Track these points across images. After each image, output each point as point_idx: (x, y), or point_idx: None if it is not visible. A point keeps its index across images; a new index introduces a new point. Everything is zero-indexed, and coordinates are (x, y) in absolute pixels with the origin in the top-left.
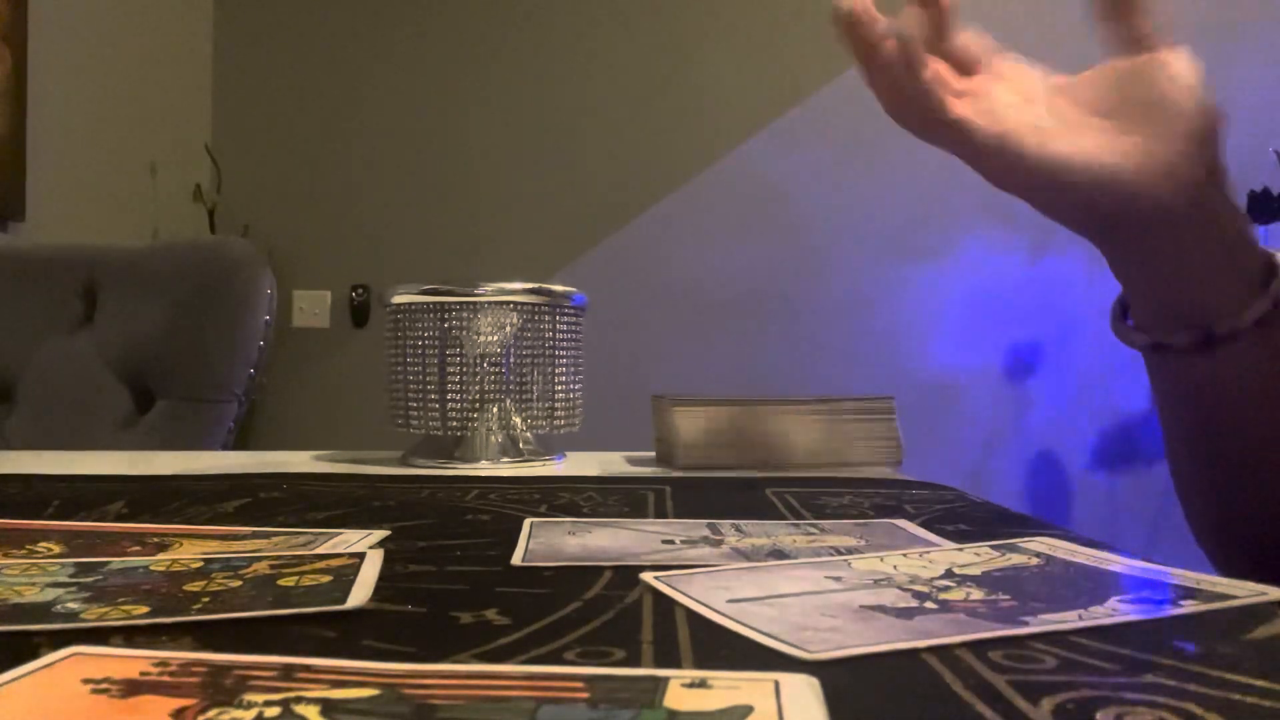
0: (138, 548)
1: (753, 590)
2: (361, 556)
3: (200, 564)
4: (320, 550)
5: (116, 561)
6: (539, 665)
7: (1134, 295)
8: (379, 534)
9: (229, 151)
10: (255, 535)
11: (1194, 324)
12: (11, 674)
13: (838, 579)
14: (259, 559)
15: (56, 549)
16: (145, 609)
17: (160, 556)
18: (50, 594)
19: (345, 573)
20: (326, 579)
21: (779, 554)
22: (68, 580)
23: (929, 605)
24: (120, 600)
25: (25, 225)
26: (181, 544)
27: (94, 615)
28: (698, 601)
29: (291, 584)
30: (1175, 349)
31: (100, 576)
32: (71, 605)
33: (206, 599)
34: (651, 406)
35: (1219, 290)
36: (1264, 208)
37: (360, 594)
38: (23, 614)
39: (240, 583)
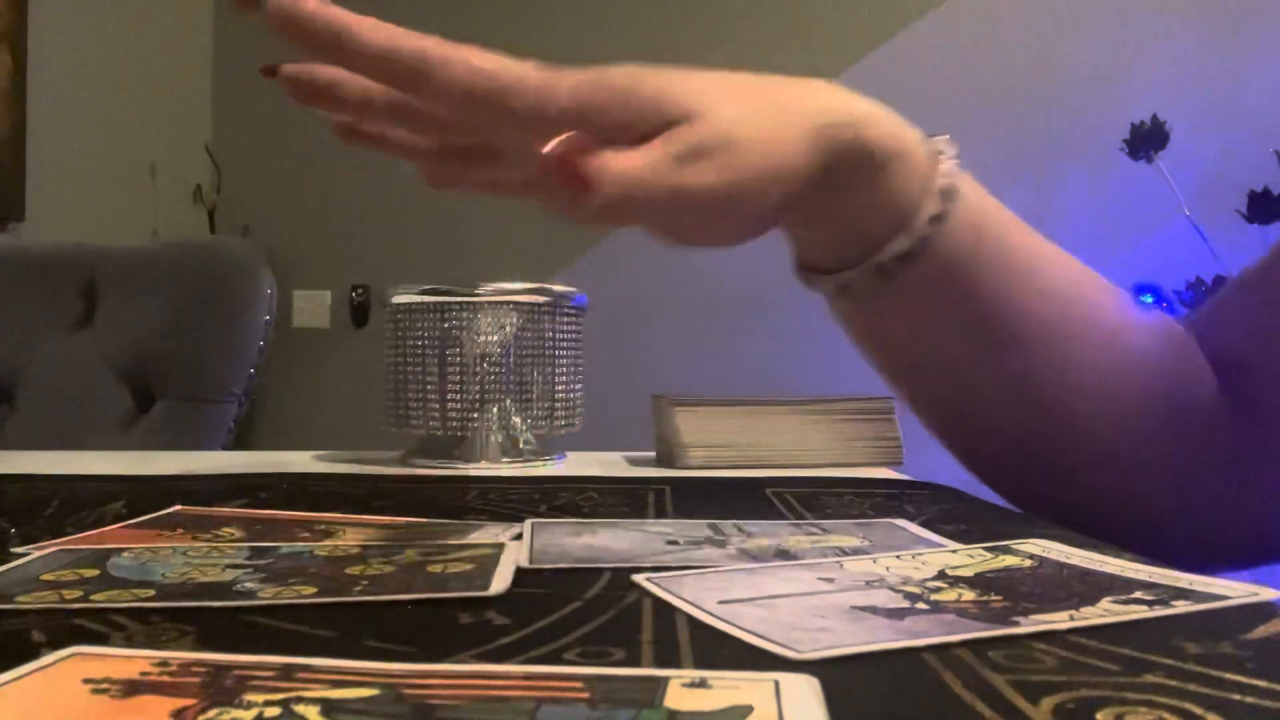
0: (306, 534)
1: (744, 591)
2: (501, 548)
3: (358, 550)
4: (465, 540)
5: (285, 546)
6: (539, 665)
7: (800, 248)
8: (517, 527)
9: (229, 152)
10: (410, 525)
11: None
12: (11, 674)
13: (830, 580)
14: (411, 547)
15: (238, 534)
16: (313, 589)
17: (325, 543)
18: (230, 574)
19: (486, 562)
20: (470, 566)
21: (784, 554)
22: (244, 562)
23: (920, 606)
24: (291, 581)
25: (25, 225)
26: (344, 532)
27: (269, 594)
28: (688, 602)
29: (439, 570)
30: (856, 290)
31: (272, 560)
32: (249, 585)
33: (366, 582)
34: (652, 406)
35: (877, 223)
36: (1264, 208)
37: (500, 582)
38: (207, 591)
39: (394, 569)
